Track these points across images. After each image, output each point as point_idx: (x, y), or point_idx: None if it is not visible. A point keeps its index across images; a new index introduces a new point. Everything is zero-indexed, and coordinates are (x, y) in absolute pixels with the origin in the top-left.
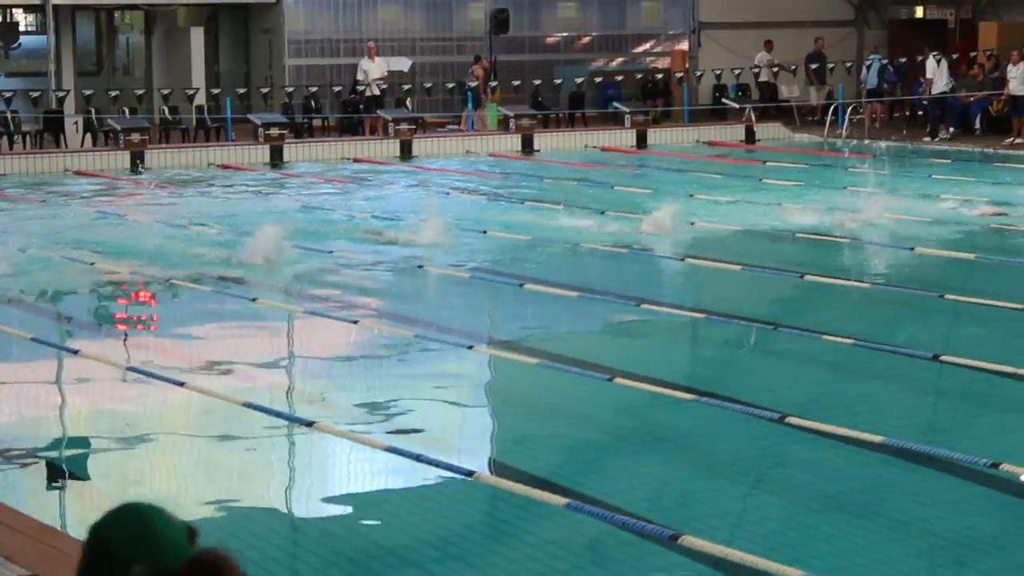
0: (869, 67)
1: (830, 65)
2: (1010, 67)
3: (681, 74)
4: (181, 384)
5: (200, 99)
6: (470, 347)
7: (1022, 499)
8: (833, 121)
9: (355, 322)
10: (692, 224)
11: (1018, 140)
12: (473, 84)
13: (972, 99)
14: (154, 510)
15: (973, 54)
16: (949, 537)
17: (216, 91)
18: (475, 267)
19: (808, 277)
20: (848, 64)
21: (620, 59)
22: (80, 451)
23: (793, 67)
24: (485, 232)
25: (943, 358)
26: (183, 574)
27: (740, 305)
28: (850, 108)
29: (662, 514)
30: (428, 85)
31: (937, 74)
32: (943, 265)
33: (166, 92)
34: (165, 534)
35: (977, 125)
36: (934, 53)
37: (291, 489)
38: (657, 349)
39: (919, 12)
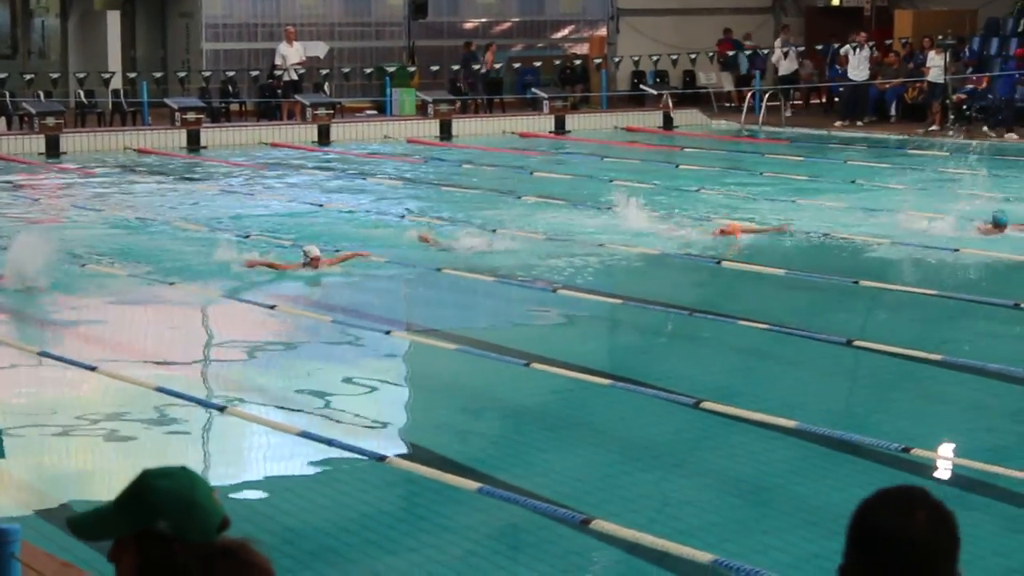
0: (736, 57)
1: (785, 50)
2: (930, 55)
3: (599, 60)
4: (93, 369)
5: (116, 83)
6: (388, 332)
7: (933, 483)
8: (750, 107)
9: (272, 307)
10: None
11: (933, 128)
12: (485, 70)
13: (888, 86)
14: (204, 484)
15: (889, 42)
16: None
17: (132, 75)
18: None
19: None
20: (765, 51)
21: (539, 45)
22: None
23: (711, 54)
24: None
25: (857, 343)
26: (198, 553)
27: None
28: (767, 95)
29: (578, 498)
30: (346, 70)
31: (783, 61)
32: None
33: (82, 76)
34: (202, 509)
35: (892, 112)
36: (781, 40)
37: (202, 474)
38: (574, 335)
39: (835, 0)
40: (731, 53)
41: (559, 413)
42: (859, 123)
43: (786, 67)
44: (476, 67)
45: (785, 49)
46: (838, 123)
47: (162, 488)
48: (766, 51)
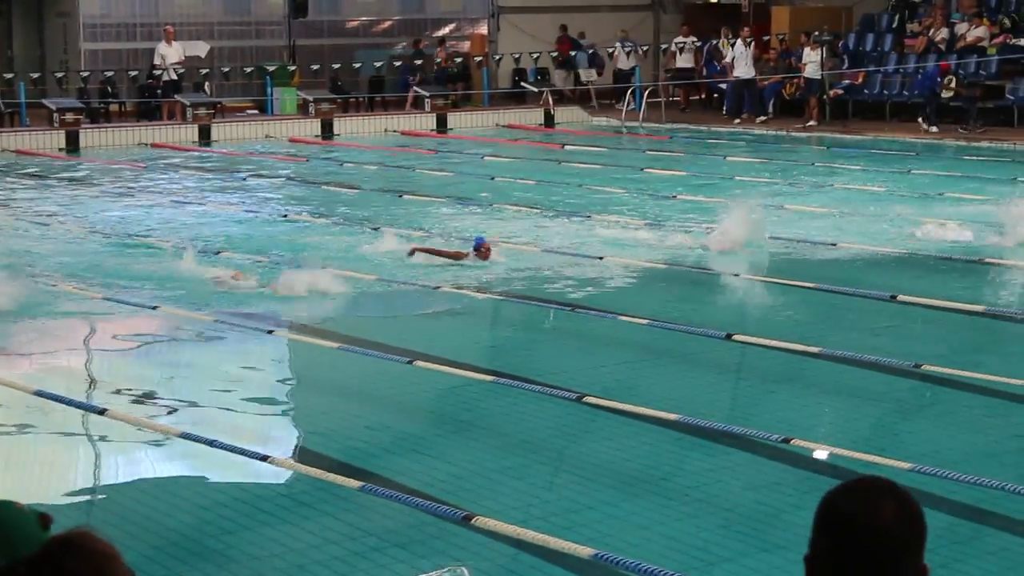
0: (575, 56)
1: (626, 48)
2: (807, 51)
3: (480, 58)
4: None
5: None
6: (270, 332)
7: (812, 473)
8: (629, 104)
9: (154, 307)
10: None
11: (811, 123)
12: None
13: (766, 83)
14: (2, 504)
15: (766, 38)
16: (742, 511)
17: (9, 75)
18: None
19: None
20: (645, 48)
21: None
22: None
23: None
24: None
25: (736, 337)
26: (39, 559)
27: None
28: (647, 91)
29: (461, 495)
30: (226, 69)
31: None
32: None
33: None
34: (14, 525)
35: (770, 109)
36: (681, 38)
37: (83, 477)
38: (458, 332)
39: None
40: (572, 53)
41: (442, 410)
42: (736, 120)
43: (624, 64)
44: (419, 63)
45: (626, 47)
46: (736, 121)
47: None
48: (592, 49)
